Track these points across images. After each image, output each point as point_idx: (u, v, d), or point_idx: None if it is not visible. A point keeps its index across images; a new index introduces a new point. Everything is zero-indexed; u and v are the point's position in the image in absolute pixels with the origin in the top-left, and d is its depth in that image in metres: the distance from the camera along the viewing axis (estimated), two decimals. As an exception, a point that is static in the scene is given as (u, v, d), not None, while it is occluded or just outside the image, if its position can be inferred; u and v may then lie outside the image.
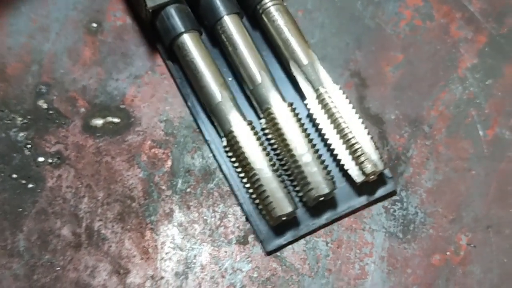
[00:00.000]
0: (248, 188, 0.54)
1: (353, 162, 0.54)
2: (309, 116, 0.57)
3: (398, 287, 0.54)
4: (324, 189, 0.53)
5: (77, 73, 0.60)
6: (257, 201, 0.54)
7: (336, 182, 0.55)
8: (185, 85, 0.59)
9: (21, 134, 0.58)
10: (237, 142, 0.54)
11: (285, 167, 0.55)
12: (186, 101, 0.59)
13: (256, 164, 0.53)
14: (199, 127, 0.58)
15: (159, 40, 0.60)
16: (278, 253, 0.54)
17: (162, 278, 0.53)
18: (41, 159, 0.57)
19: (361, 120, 0.55)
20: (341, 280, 0.54)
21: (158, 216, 0.55)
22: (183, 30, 0.57)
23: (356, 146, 0.54)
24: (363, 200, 0.55)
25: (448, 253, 0.55)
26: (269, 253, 0.54)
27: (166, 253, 0.54)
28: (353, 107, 0.55)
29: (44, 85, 0.59)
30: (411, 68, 0.61)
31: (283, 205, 0.52)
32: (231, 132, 0.54)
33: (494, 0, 0.64)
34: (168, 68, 0.60)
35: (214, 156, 0.57)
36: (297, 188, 0.54)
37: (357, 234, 0.55)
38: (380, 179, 0.55)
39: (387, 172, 0.56)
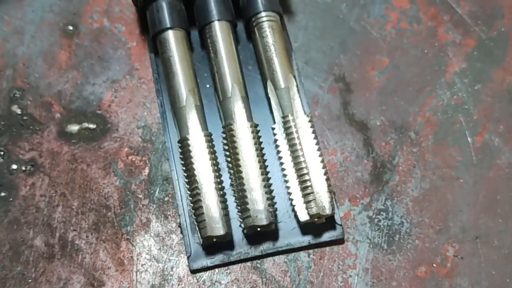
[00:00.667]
0: (189, 199, 0.52)
1: (301, 200, 0.52)
2: (274, 141, 0.54)
3: (382, 300, 0.52)
4: (262, 220, 0.50)
5: (52, 78, 0.58)
6: (194, 216, 0.51)
7: (283, 216, 0.53)
8: (160, 81, 0.57)
9: (-6, 140, 0.56)
10: (189, 151, 0.52)
11: (233, 188, 0.53)
12: (157, 97, 0.57)
13: (200, 176, 0.51)
14: (163, 128, 0.56)
15: (147, 31, 0.58)
16: (257, 264, 0.52)
17: (137, 290, 0.51)
18: (14, 166, 0.55)
19: (321, 158, 0.52)
20: (323, 293, 0.52)
21: (134, 226, 0.53)
22: (168, 26, 0.56)
23: (307, 184, 0.51)
24: (305, 240, 0.53)
25: (434, 265, 0.53)
26: (192, 271, 0.52)
27: (142, 265, 0.52)
28: (317, 143, 0.53)
29: (18, 90, 0.58)
30: (397, 72, 0.59)
31: (214, 226, 0.50)
32: (186, 139, 0.52)
33: (483, 2, 0.62)
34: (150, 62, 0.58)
35: (171, 159, 0.54)
36: (239, 213, 0.52)
37: (340, 245, 0.53)
38: (329, 223, 0.53)
39: (337, 218, 0.53)
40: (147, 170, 0.55)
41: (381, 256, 0.53)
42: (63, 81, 0.58)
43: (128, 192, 0.54)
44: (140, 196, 0.54)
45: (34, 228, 0.53)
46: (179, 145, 0.53)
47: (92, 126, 0.57)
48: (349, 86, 0.59)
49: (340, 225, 0.53)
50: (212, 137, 0.54)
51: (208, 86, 0.58)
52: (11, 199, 0.54)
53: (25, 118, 0.57)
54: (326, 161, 0.56)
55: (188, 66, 0.55)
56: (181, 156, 0.53)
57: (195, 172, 0.51)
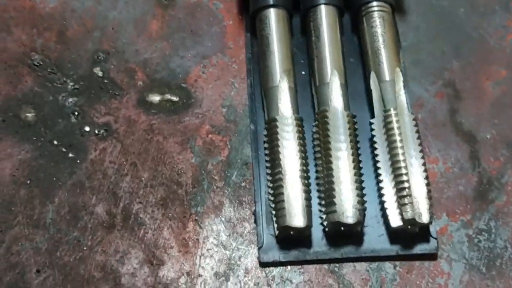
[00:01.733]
0: (269, 186, 0.47)
1: (395, 203, 0.46)
2: (371, 137, 0.49)
3: (475, 330, 0.45)
4: (348, 218, 0.44)
5: (140, 45, 0.55)
6: (272, 203, 0.46)
7: (371, 220, 0.47)
8: (253, 62, 0.53)
9: (70, 99, 0.52)
10: (276, 132, 0.47)
11: (319, 180, 0.47)
12: (247, 78, 0.52)
13: (285, 161, 0.46)
14: (250, 110, 0.51)
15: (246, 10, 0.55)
16: (335, 268, 0.46)
17: (199, 276, 0.46)
18: (87, 128, 0.51)
19: (423, 161, 0.46)
20: (407, 311, 0.45)
21: (205, 207, 0.48)
22: (271, 3, 0.52)
23: (405, 185, 0.45)
24: (393, 249, 0.47)
25: (539, 299, 0.46)
26: (262, 264, 0.46)
27: (208, 250, 0.47)
28: (420, 144, 0.47)
29: (103, 53, 0.54)
30: (516, 85, 0.53)
31: (295, 217, 0.44)
32: (275, 120, 0.48)
33: None
34: (245, 42, 0.54)
35: (254, 144, 0.50)
36: (322, 207, 0.46)
37: (431, 261, 0.47)
38: (422, 235, 0.46)
39: (432, 230, 0.47)
40: (226, 152, 0.50)
41: (478, 280, 0.46)
42: (151, 50, 0.54)
43: (203, 172, 0.50)
44: (216, 177, 0.49)
45: (98, 194, 0.49)
46: (266, 126, 0.49)
47: (174, 98, 0.53)
48: (459, 93, 0.53)
49: (435, 238, 0.47)
50: (302, 122, 0.49)
51: (303, 73, 0.53)
52: (79, 161, 0.50)
53: (105, 81, 0.53)
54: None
55: (286, 46, 0.51)
56: (266, 138, 0.48)
57: (280, 156, 0.46)
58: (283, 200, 0.45)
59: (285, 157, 0.46)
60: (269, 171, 0.47)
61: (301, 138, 0.48)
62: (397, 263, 0.47)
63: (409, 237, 0.47)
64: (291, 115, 0.48)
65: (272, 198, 0.46)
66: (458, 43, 0.55)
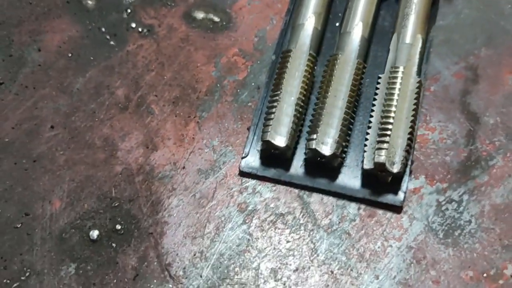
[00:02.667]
0: (267, 105, 0.50)
1: (373, 147, 0.48)
2: (375, 89, 0.52)
3: (414, 283, 0.47)
4: (326, 149, 0.48)
5: (203, -31, 0.60)
6: (264, 120, 0.50)
7: (352, 161, 0.50)
8: (296, 4, 0.57)
9: (128, -1, 0.59)
10: (287, 61, 0.51)
11: (313, 112, 0.50)
12: (285, 15, 0.57)
13: (287, 86, 0.50)
14: (278, 44, 0.55)
15: None
16: (305, 195, 0.50)
17: (183, 168, 0.51)
18: (133, 24, 0.57)
19: (413, 119, 0.49)
20: (355, 249, 0.48)
21: (209, 114, 0.53)
22: None
23: (386, 133, 0.48)
24: (361, 192, 0.49)
25: (485, 275, 0.47)
26: (241, 173, 0.50)
27: (199, 149, 0.52)
28: (416, 105, 0.49)
29: (169, -32, 0.60)
30: (534, 84, 0.54)
31: (277, 135, 0.48)
32: (289, 51, 0.51)
33: None
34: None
35: (270, 70, 0.54)
36: (307, 135, 0.50)
37: (394, 213, 0.49)
38: (393, 186, 0.49)
39: (404, 185, 0.49)
40: (244, 74, 0.55)
41: (432, 243, 0.48)
42: (211, -25, 0.60)
43: (218, 85, 0.54)
44: (228, 92, 0.54)
45: (123, 80, 0.54)
46: (281, 55, 0.53)
47: (216, 19, 0.58)
48: (478, 78, 0.55)
49: (404, 193, 0.49)
50: (316, 60, 0.52)
51: (337, 24, 0.56)
52: (117, 49, 0.56)
53: (163, -9, 0.59)
54: (420, 135, 0.52)
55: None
56: (278, 66, 0.52)
57: (283, 81, 0.50)
58: (272, 118, 0.49)
59: (287, 82, 0.50)
60: (271, 92, 0.51)
61: (309, 72, 0.51)
62: (362, 206, 0.49)
63: (381, 185, 0.49)
64: (306, 50, 0.52)
65: (265, 116, 0.50)
66: (493, 33, 0.57)
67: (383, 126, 0.49)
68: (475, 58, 0.56)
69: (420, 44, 0.52)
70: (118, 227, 0.49)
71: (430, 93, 0.54)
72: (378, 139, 0.48)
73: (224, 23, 0.57)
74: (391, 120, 0.49)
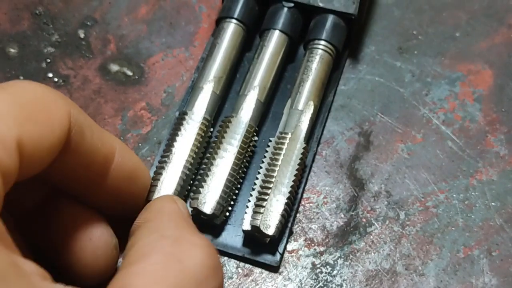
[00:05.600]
0: (156, 165, 0.53)
1: (252, 209, 0.51)
2: (265, 152, 0.54)
3: None
4: (205, 208, 0.50)
5: (124, 22, 0.63)
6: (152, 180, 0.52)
7: (236, 222, 0.53)
8: (205, 62, 0.59)
9: (49, 48, 0.62)
10: (181, 124, 0.54)
11: (201, 172, 0.53)
12: (194, 73, 0.60)
13: (177, 148, 0.53)
14: (183, 100, 0.58)
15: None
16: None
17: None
18: (50, 74, 0.60)
19: (294, 185, 0.51)
20: (228, 306, 0.50)
21: (109, 166, 0.56)
22: (234, 16, 0.59)
23: (265, 197, 0.50)
24: (241, 251, 0.52)
25: (348, 339, 0.49)
26: None
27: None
28: (298, 171, 0.52)
29: (92, 20, 0.63)
30: (423, 152, 0.57)
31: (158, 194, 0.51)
32: (185, 113, 0.54)
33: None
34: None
35: (172, 126, 0.57)
36: (191, 192, 0.53)
37: (271, 273, 0.52)
38: (272, 248, 0.52)
39: (281, 246, 0.52)
40: (148, 128, 0.58)
41: (302, 304, 0.51)
42: (131, 28, 0.63)
43: (122, 138, 0.57)
44: (130, 146, 0.57)
45: (33, 128, 0.57)
46: (177, 116, 0.55)
47: (129, 73, 0.61)
48: (369, 145, 0.57)
49: (281, 254, 0.52)
50: (210, 125, 0.55)
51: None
52: (31, 98, 0.59)
53: (83, 43, 0.62)
54: (305, 198, 0.55)
55: (228, 57, 0.57)
56: (172, 127, 0.55)
57: (175, 143, 0.53)
58: (158, 179, 0.51)
59: (179, 144, 0.53)
60: (162, 153, 0.54)
61: (202, 136, 0.54)
62: (241, 264, 0.52)
63: (260, 246, 0.52)
64: (202, 113, 0.54)
65: (153, 176, 0.53)
66: (391, 101, 0.59)
67: (263, 190, 0.51)
68: (370, 124, 0.58)
69: (311, 111, 0.55)
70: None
71: (321, 157, 0.56)
72: (256, 202, 0.51)
73: (137, 77, 0.60)
74: (271, 185, 0.51)
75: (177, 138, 0.53)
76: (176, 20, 0.64)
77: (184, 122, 0.54)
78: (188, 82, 0.60)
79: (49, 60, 0.61)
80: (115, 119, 0.58)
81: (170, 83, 0.60)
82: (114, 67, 0.61)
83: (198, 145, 0.53)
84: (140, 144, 0.57)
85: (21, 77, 0.60)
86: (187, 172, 0.52)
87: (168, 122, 0.58)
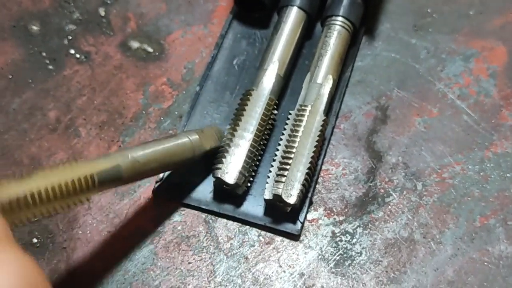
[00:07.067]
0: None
1: (274, 179, 0.52)
2: (285, 125, 0.55)
3: (300, 307, 0.50)
4: (230, 178, 0.52)
5: (144, 1, 0.64)
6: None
7: (257, 191, 0.54)
8: (225, 39, 0.61)
9: (70, 26, 0.63)
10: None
11: (222, 143, 0.54)
12: (214, 49, 0.61)
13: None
14: (203, 76, 0.59)
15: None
16: (210, 220, 0.54)
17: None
18: (72, 51, 0.61)
19: (313, 156, 0.52)
20: (251, 273, 0.52)
21: (132, 139, 0.57)
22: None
23: (286, 167, 0.52)
24: (262, 220, 0.53)
25: (368, 304, 0.51)
26: (153, 197, 0.54)
27: (118, 171, 0.56)
28: (318, 142, 0.53)
29: (112, -1, 0.64)
30: (439, 126, 0.58)
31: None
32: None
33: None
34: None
35: (192, 100, 0.58)
36: (214, 161, 0.53)
37: (292, 241, 0.53)
38: (292, 216, 0.53)
39: (302, 215, 0.53)
40: (170, 103, 0.59)
41: (323, 271, 0.52)
42: (151, 7, 0.64)
43: (143, 112, 0.58)
44: (152, 119, 0.58)
45: (56, 103, 0.59)
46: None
47: (149, 49, 0.62)
48: (386, 119, 0.58)
49: (302, 223, 0.53)
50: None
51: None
52: (54, 73, 0.60)
53: (103, 21, 0.63)
54: (324, 170, 0.56)
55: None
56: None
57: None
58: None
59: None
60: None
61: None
62: (262, 232, 0.53)
63: (281, 214, 0.53)
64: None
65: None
66: (407, 76, 0.60)
67: (284, 160, 0.52)
68: (386, 98, 0.59)
69: (330, 84, 0.56)
70: (35, 240, 0.53)
71: (339, 131, 0.58)
72: (277, 172, 0.52)
73: (157, 54, 0.62)
74: (292, 156, 0.52)
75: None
76: (195, -1, 0.65)
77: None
78: (207, 58, 0.61)
79: (70, 37, 0.62)
80: (137, 94, 0.59)
81: (190, 59, 0.61)
82: (135, 44, 0.62)
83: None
84: (162, 118, 0.58)
85: (44, 53, 0.61)
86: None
87: (188, 97, 0.59)
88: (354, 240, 0.53)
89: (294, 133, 0.54)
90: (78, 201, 0.44)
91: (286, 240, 0.53)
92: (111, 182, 0.46)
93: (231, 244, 0.53)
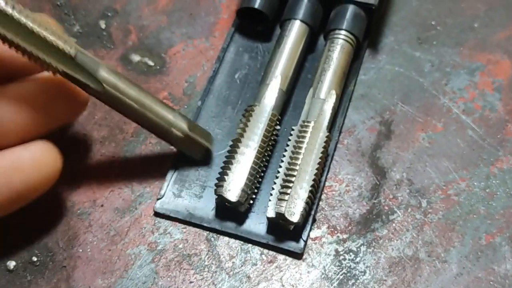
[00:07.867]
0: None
1: (277, 196, 0.52)
2: (288, 141, 0.55)
3: (303, 328, 0.50)
4: (232, 196, 0.51)
5: (145, 13, 0.64)
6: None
7: (260, 208, 0.53)
8: (226, 52, 0.61)
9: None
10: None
11: (225, 159, 0.53)
12: (215, 63, 0.60)
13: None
14: (205, 90, 0.59)
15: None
16: (212, 238, 0.53)
17: (101, 206, 0.54)
18: (72, 64, 0.60)
19: (317, 173, 0.51)
20: (253, 292, 0.51)
21: (132, 155, 0.57)
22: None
23: (289, 185, 0.51)
24: (265, 238, 0.52)
25: (372, 324, 0.50)
26: (155, 214, 0.54)
27: (119, 188, 0.55)
28: (321, 159, 0.52)
29: (113, 11, 0.64)
30: (443, 142, 0.57)
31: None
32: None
33: None
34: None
35: (194, 114, 0.58)
36: (217, 179, 0.53)
37: (295, 260, 0.52)
38: (295, 234, 0.52)
39: (305, 233, 0.52)
40: (171, 117, 0.58)
41: (326, 290, 0.51)
42: (152, 19, 0.63)
43: (145, 127, 0.58)
44: (153, 135, 0.57)
45: (56, 117, 0.58)
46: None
47: (150, 63, 0.61)
48: (390, 134, 0.58)
49: (305, 241, 0.52)
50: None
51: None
52: (54, 87, 0.59)
53: (104, 34, 0.63)
54: (328, 186, 0.55)
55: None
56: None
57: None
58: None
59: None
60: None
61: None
62: (265, 251, 0.52)
63: (284, 233, 0.52)
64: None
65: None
66: (411, 90, 0.60)
67: (287, 177, 0.52)
68: (390, 113, 0.59)
69: (333, 100, 0.55)
70: (34, 259, 0.52)
71: (343, 146, 0.57)
72: (280, 190, 0.52)
73: (158, 67, 0.61)
74: (295, 173, 0.52)
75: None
76: (196, 11, 0.64)
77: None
78: (209, 72, 0.60)
79: (71, 50, 0.61)
80: (138, 109, 0.58)
81: (191, 73, 0.61)
82: (136, 57, 0.61)
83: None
84: (163, 133, 0.57)
85: (44, 67, 0.60)
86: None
87: (190, 111, 0.58)
88: (358, 259, 0.52)
89: (297, 150, 0.53)
90: (50, 66, 0.46)
91: (289, 259, 0.52)
92: (88, 74, 0.48)
93: (233, 262, 0.52)
